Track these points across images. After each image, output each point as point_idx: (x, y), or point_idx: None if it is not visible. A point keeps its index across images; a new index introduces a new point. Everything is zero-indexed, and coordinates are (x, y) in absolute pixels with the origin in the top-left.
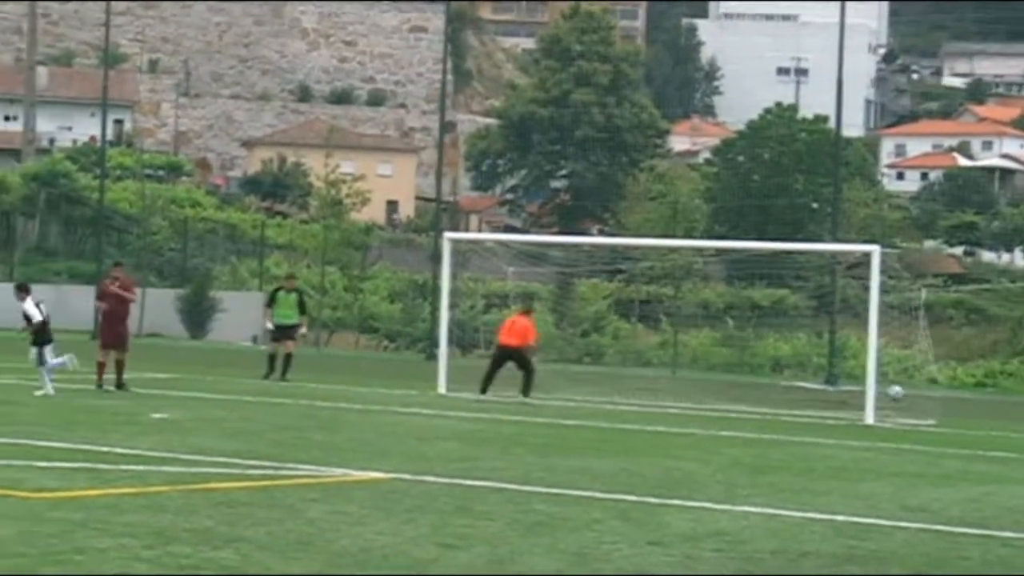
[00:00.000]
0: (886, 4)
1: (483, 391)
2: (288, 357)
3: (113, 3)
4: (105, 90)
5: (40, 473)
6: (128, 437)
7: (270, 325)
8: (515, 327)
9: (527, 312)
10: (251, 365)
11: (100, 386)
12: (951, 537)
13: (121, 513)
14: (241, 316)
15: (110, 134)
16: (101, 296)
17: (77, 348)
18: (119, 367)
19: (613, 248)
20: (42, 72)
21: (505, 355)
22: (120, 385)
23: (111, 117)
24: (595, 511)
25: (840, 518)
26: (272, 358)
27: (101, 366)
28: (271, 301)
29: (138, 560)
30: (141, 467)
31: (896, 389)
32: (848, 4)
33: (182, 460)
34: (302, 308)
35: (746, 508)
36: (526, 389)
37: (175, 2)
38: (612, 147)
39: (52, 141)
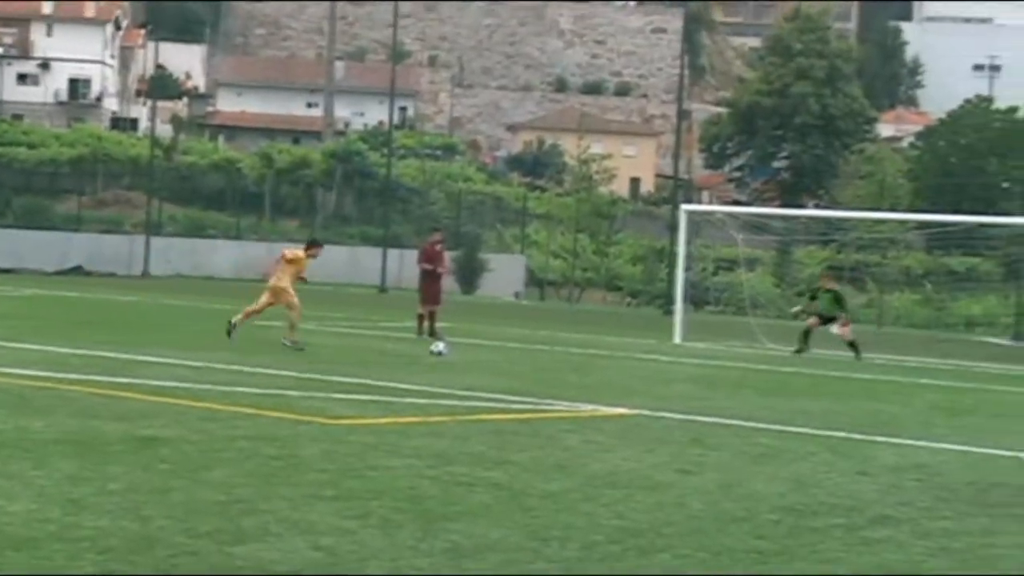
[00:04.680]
0: None
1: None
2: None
3: (399, 6)
4: (392, 81)
5: (338, 403)
6: (411, 375)
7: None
8: None
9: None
10: (515, 317)
11: (420, 334)
12: None
13: (407, 438)
14: (505, 275)
15: (396, 119)
16: (428, 259)
17: (366, 301)
18: (432, 318)
19: (827, 220)
20: (339, 66)
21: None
22: (433, 333)
23: (397, 104)
24: (810, 445)
25: None
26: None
27: (421, 319)
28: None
29: (422, 477)
30: (423, 400)
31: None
32: None
33: (457, 395)
34: (840, 304)
35: (943, 445)
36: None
37: (452, 5)
38: (826, 132)
39: (347, 124)
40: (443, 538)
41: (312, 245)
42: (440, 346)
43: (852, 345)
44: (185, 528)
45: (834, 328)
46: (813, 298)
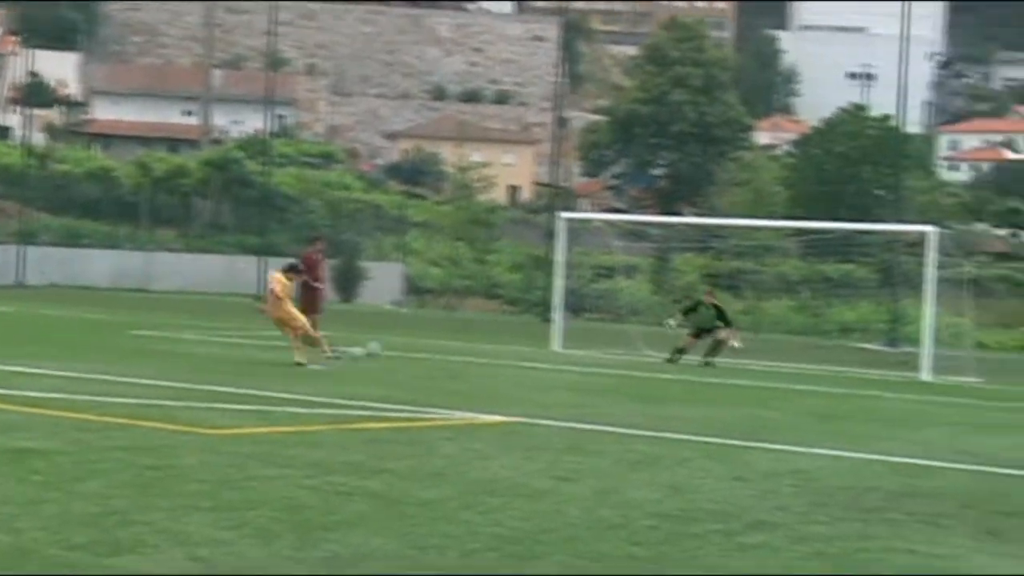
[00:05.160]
0: (944, 15)
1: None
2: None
3: (277, 14)
4: (270, 89)
5: (216, 414)
6: (289, 384)
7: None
8: None
9: None
10: (393, 325)
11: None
12: (997, 477)
13: (285, 448)
14: (384, 283)
15: (274, 127)
16: (309, 266)
17: (244, 310)
18: (313, 327)
19: (704, 227)
20: (216, 74)
21: None
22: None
23: (275, 112)
24: (687, 451)
25: (899, 460)
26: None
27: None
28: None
29: (300, 487)
30: (301, 410)
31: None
32: (911, 16)
33: (336, 404)
34: (722, 317)
35: (818, 450)
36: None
37: (330, 13)
38: (703, 140)
39: (225, 133)
40: (321, 547)
41: (291, 270)
42: (372, 346)
43: (716, 349)
44: (59, 540)
45: (734, 342)
46: (692, 310)
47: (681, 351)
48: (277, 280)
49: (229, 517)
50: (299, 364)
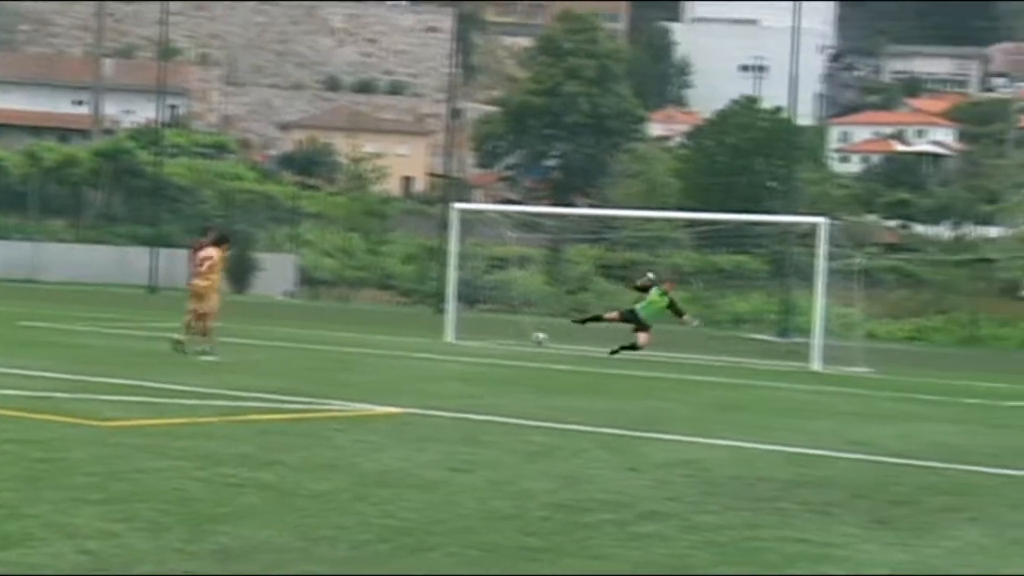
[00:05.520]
0: (834, 9)
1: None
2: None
3: (169, 3)
4: (162, 79)
5: (105, 405)
6: (181, 376)
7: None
8: None
9: None
10: (286, 316)
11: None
12: (885, 466)
13: (176, 439)
14: (278, 274)
15: (166, 117)
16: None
17: (135, 301)
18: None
19: (598, 218)
20: (108, 63)
21: None
22: (204, 333)
23: (167, 102)
24: (583, 442)
25: (791, 449)
26: None
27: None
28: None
29: (190, 479)
30: (192, 401)
31: (539, 336)
32: (802, 9)
33: (227, 396)
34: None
35: (712, 440)
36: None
37: (222, 2)
38: (597, 131)
39: (116, 123)
40: (211, 540)
41: (224, 241)
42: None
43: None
44: None
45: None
46: (643, 291)
47: (634, 347)
48: (213, 253)
49: (118, 509)
50: (178, 343)
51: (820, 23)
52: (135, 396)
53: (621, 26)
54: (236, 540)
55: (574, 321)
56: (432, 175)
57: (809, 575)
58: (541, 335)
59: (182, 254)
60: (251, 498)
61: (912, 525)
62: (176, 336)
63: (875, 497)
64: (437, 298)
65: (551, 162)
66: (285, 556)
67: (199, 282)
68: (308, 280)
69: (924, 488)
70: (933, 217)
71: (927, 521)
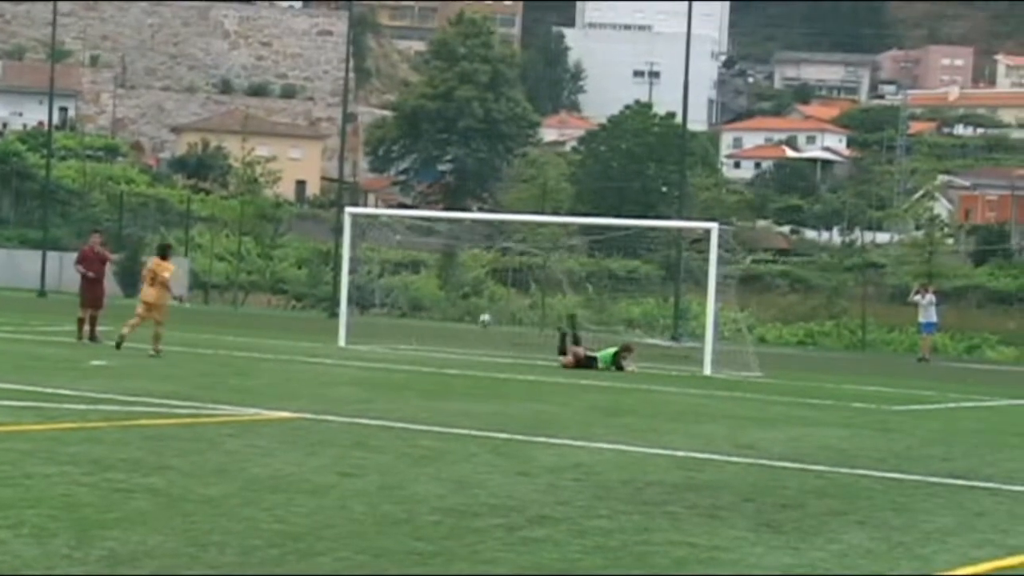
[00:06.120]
0: (726, 17)
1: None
2: None
3: (59, 4)
4: (52, 81)
5: None
6: (70, 381)
7: None
8: None
9: None
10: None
11: (80, 339)
12: (774, 470)
13: (64, 445)
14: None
15: (56, 119)
16: (82, 260)
17: (24, 305)
18: (93, 322)
19: (491, 223)
20: None
21: None
22: (93, 338)
23: (57, 105)
24: (472, 447)
25: (680, 453)
26: None
27: (81, 322)
28: None
29: (78, 484)
30: (81, 406)
31: (485, 317)
32: (693, 17)
33: (117, 400)
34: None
35: (601, 445)
36: None
37: (114, 4)
38: (490, 136)
39: (5, 125)
40: (99, 546)
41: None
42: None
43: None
44: None
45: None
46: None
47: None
48: (166, 267)
49: (4, 516)
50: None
51: (713, 29)
52: (23, 401)
53: (515, 31)
54: (125, 546)
55: (560, 351)
56: (325, 179)
57: None
58: (486, 317)
59: (71, 257)
60: (140, 503)
61: (800, 528)
62: (158, 348)
63: (763, 500)
64: (330, 302)
65: (445, 166)
66: (174, 561)
67: (154, 297)
68: (199, 284)
69: (812, 492)
70: (823, 222)
71: (814, 524)
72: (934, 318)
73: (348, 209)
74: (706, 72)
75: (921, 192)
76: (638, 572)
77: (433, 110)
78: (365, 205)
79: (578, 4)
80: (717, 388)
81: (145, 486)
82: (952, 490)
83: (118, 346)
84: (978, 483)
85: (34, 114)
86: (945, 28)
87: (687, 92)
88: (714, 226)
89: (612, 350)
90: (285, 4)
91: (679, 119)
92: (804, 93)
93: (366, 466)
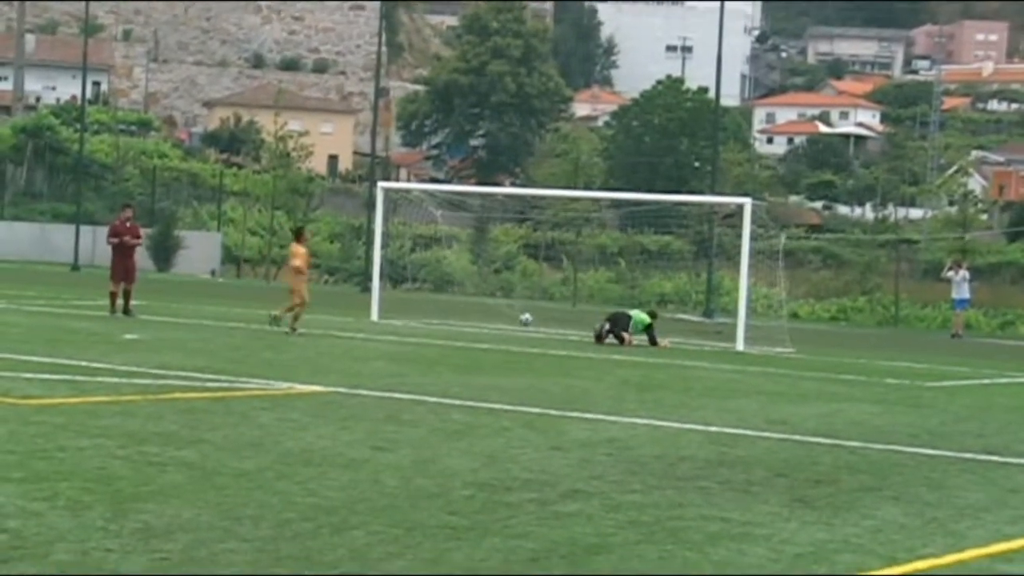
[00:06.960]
0: None
1: None
2: None
3: None
4: (85, 55)
5: (26, 383)
6: (103, 354)
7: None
8: None
9: None
10: (210, 295)
11: (113, 313)
12: (807, 445)
13: (97, 418)
14: (201, 252)
15: (89, 94)
16: (114, 234)
17: (58, 279)
18: (127, 296)
19: (523, 198)
20: (30, 39)
21: None
22: (127, 311)
23: (90, 79)
24: (505, 421)
25: (713, 429)
26: None
27: (113, 296)
28: None
29: (113, 457)
30: (115, 379)
31: (526, 316)
32: None
33: (151, 374)
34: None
35: (634, 420)
36: None
37: None
38: (523, 111)
39: (38, 99)
40: (133, 519)
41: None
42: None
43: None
44: None
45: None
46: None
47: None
48: (295, 253)
49: (39, 488)
50: (293, 330)
51: (746, 4)
52: (57, 375)
53: (547, 5)
54: (159, 519)
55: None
56: (357, 154)
57: (731, 553)
58: (527, 316)
59: (104, 232)
60: (174, 477)
61: (833, 504)
62: (293, 326)
63: (796, 476)
64: (363, 277)
65: (476, 141)
66: (208, 535)
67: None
68: (232, 258)
69: (845, 467)
70: (856, 198)
71: (848, 500)
72: (967, 294)
73: (380, 184)
74: (739, 47)
75: (954, 168)
76: (671, 546)
77: (465, 85)
78: (397, 180)
79: None
80: (749, 364)
81: (179, 459)
82: (985, 466)
83: (275, 323)
84: (1011, 459)
85: (67, 88)
86: (979, 4)
87: (720, 67)
88: (747, 201)
89: (646, 316)
90: None
91: (712, 94)
92: (837, 68)
93: (399, 440)
